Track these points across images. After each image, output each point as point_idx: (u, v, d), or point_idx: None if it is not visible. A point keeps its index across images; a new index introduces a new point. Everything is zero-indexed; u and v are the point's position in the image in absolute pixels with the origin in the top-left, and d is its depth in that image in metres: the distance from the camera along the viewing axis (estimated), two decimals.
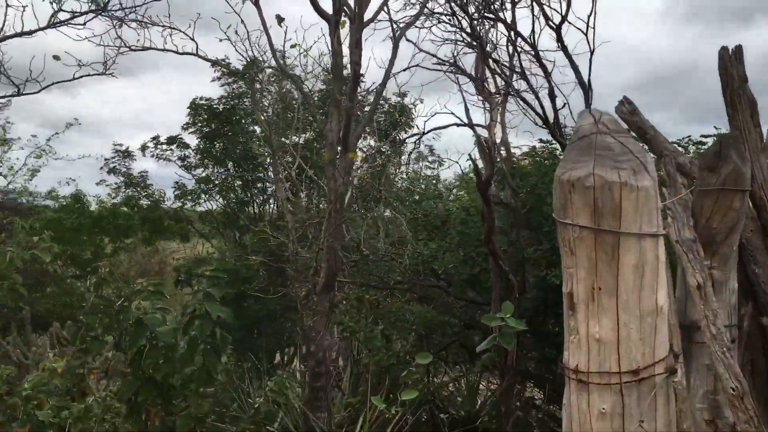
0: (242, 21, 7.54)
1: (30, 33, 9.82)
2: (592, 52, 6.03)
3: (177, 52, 7.64)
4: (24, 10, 9.56)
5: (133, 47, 7.79)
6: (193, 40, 7.51)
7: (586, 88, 5.97)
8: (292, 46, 6.79)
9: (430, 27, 6.37)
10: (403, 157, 12.74)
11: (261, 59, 9.03)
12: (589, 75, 6.10)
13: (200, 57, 7.44)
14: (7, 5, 9.60)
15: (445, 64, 6.23)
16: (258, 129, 14.08)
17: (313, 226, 7.67)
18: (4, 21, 9.55)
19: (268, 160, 12.68)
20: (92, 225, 17.37)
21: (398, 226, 8.01)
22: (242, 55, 7.43)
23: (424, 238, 8.58)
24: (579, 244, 2.10)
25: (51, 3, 9.88)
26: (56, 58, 7.72)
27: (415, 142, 9.00)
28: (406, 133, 13.39)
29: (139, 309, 5.53)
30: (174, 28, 7.63)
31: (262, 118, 9.05)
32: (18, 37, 9.74)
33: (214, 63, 11.88)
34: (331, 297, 7.07)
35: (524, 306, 6.69)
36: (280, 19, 6.62)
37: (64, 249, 16.83)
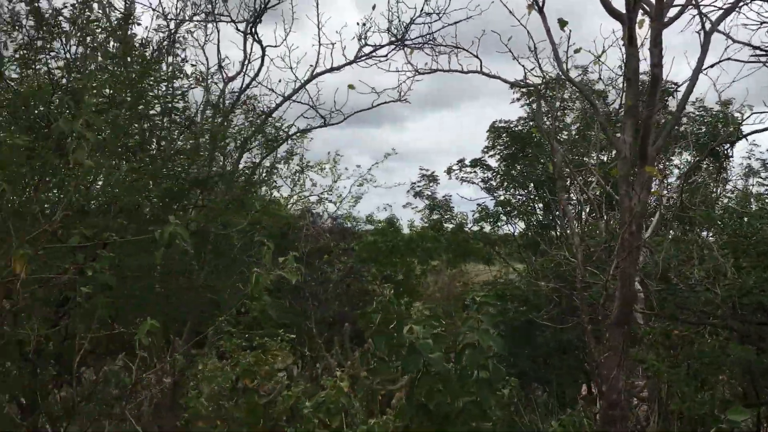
0: (529, 33, 7.17)
1: (339, 68, 10.62)
2: None
3: (462, 71, 7.53)
4: (333, 48, 10.37)
5: (420, 70, 7.89)
6: (477, 57, 7.34)
7: None
8: (576, 51, 6.20)
9: (740, 7, 5.25)
10: (723, 174, 11.10)
11: (555, 74, 8.52)
12: None
13: (483, 74, 7.21)
14: (320, 44, 10.49)
15: (764, 53, 5.07)
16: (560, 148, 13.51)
17: (608, 251, 6.92)
18: (317, 59, 10.49)
19: (568, 181, 12.04)
20: (403, 247, 18.33)
21: (712, 250, 6.83)
22: (524, 68, 7.01)
23: (747, 266, 7.19)
24: None
25: (359, 39, 10.56)
26: (351, 87, 8.16)
27: (726, 149, 7.64)
28: (731, 146, 11.69)
29: (411, 333, 5.37)
30: (459, 48, 7.55)
31: (555, 139, 8.53)
32: (328, 72, 10.61)
33: (513, 84, 11.65)
34: (626, 330, 6.24)
35: None
36: (562, 23, 6.08)
37: (381, 269, 18.01)
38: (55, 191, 3.96)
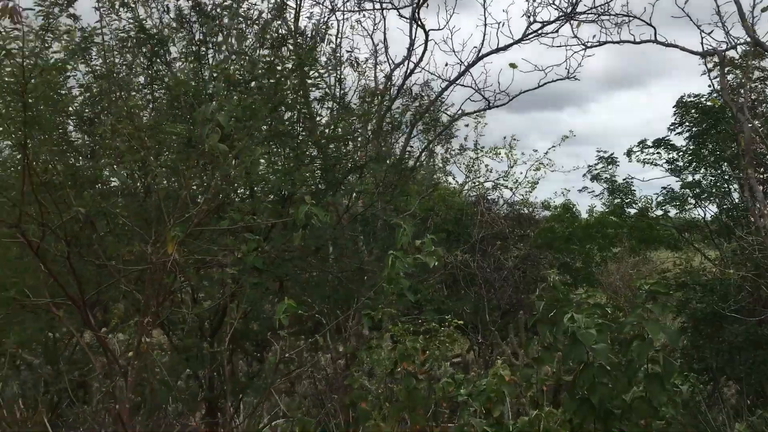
0: None
1: (505, 48, 10.27)
2: None
3: (634, 42, 7.02)
4: (500, 27, 10.05)
5: (589, 44, 7.44)
6: (650, 25, 6.78)
7: None
8: (763, 10, 5.48)
9: None
10: None
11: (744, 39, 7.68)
12: None
13: (658, 43, 6.65)
14: (485, 24, 10.22)
15: None
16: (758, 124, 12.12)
17: None
18: (482, 40, 10.22)
19: None
20: (581, 233, 17.52)
21: None
22: (702, 32, 6.35)
23: None
24: None
25: (527, 17, 10.16)
26: (513, 66, 7.86)
27: None
28: None
29: (573, 322, 5.05)
30: (630, 16, 7.02)
31: (744, 111, 7.62)
32: (494, 53, 10.30)
33: (703, 54, 10.66)
34: None
35: None
36: None
37: (558, 256, 17.36)
38: (202, 176, 4.21)
